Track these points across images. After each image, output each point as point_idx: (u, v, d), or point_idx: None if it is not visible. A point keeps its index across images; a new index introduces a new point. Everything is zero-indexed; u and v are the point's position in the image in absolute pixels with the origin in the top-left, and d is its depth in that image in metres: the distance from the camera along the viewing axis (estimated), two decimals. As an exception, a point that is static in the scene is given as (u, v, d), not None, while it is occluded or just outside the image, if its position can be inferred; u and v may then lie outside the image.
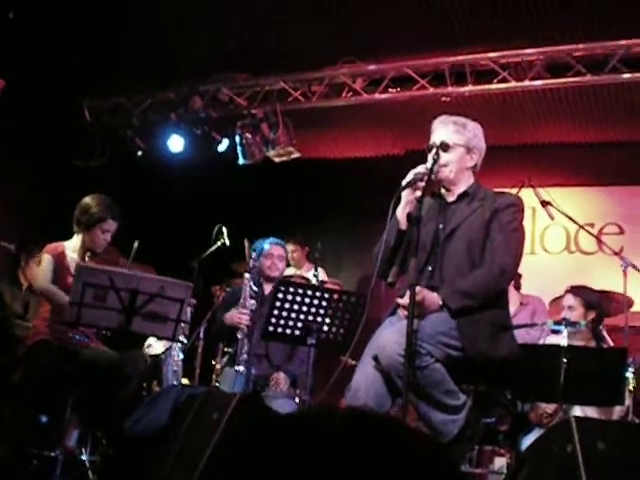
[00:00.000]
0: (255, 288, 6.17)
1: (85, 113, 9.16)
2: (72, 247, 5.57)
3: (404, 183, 4.01)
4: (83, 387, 5.24)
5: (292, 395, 5.98)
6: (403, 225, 4.04)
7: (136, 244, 5.85)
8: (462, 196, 4.20)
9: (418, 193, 3.99)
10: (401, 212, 4.05)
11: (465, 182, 4.22)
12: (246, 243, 6.24)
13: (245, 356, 5.86)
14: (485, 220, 4.03)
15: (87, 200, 5.58)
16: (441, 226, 4.12)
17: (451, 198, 4.22)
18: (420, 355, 3.64)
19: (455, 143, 4.15)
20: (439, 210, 4.19)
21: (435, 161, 4.03)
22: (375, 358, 3.83)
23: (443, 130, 4.20)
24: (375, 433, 1.12)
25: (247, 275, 6.10)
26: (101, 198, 5.60)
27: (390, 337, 3.71)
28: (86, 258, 5.55)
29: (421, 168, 4.03)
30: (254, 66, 8.38)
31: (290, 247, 8.11)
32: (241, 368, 5.85)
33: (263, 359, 6.16)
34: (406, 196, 4.03)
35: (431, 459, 1.11)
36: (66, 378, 5.23)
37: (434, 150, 4.08)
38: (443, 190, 4.24)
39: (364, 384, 3.88)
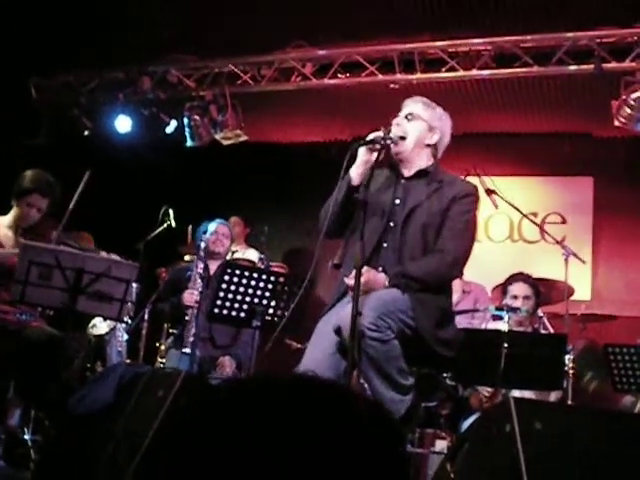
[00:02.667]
0: (200, 270, 6.20)
1: (32, 91, 9.05)
2: (7, 223, 5.51)
3: (361, 142, 4.02)
4: (25, 366, 5.19)
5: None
6: (356, 181, 4.02)
7: (70, 207, 5.69)
8: (420, 174, 4.20)
9: (375, 155, 4.03)
10: (355, 170, 4.04)
11: (425, 160, 4.22)
12: (189, 229, 6.29)
13: (192, 338, 5.89)
14: (443, 206, 4.05)
15: (24, 173, 5.54)
16: (397, 201, 4.12)
17: (407, 173, 4.21)
18: (382, 328, 3.66)
19: (419, 115, 4.20)
20: (395, 183, 4.19)
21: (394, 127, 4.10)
22: (337, 330, 3.83)
23: (411, 105, 4.26)
24: (319, 398, 1.14)
25: (198, 258, 6.20)
26: (36, 172, 5.53)
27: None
28: (19, 233, 5.48)
29: (380, 132, 4.04)
30: (204, 48, 8.34)
31: (232, 219, 8.16)
32: (188, 350, 5.87)
33: (207, 341, 6.18)
34: (362, 155, 4.03)
35: (375, 422, 1.14)
36: (7, 357, 5.18)
37: (408, 121, 4.16)
38: (400, 164, 4.23)
39: (312, 367, 3.88)
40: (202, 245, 6.29)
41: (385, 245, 4.05)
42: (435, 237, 4.03)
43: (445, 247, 4.00)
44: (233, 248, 8.15)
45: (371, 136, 4.04)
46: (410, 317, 3.83)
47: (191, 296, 6.08)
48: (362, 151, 4.04)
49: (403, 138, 4.14)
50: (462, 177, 4.49)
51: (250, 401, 1.15)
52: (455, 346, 3.99)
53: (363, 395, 1.28)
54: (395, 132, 4.10)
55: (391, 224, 4.08)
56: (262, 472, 1.07)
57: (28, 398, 5.54)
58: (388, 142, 4.05)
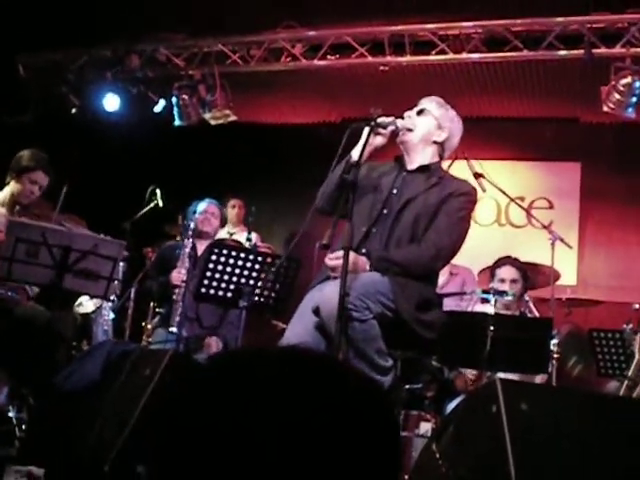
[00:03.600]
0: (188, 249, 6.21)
1: (19, 68, 9.00)
2: (1, 200, 5.50)
3: (368, 122, 4.04)
4: (17, 344, 5.17)
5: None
6: (356, 157, 4.04)
7: (65, 189, 5.70)
8: (422, 169, 4.24)
9: (378, 139, 4.08)
10: (357, 149, 4.07)
11: (429, 156, 4.27)
12: (180, 212, 6.32)
13: (178, 317, 5.89)
14: (437, 201, 4.08)
15: (23, 151, 5.55)
16: (395, 191, 4.16)
17: (410, 166, 4.26)
18: (360, 309, 3.69)
19: (430, 112, 4.27)
20: (397, 175, 4.24)
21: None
22: (315, 311, 3.85)
23: (426, 103, 4.34)
24: (309, 370, 1.14)
25: (186, 237, 6.20)
26: (36, 152, 5.57)
27: (335, 290, 3.69)
28: (15, 211, 5.48)
29: (390, 118, 4.10)
30: (193, 27, 8.31)
31: (232, 201, 8.18)
32: (175, 329, 5.87)
33: (194, 321, 6.18)
34: (366, 135, 4.04)
35: (365, 393, 1.14)
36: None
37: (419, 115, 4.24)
38: (406, 157, 4.29)
39: (294, 341, 3.91)
40: (191, 224, 6.30)
41: (374, 231, 4.08)
42: (425, 230, 4.05)
43: (431, 239, 4.02)
44: (231, 230, 8.16)
45: (379, 119, 4.07)
46: (390, 299, 3.85)
47: (179, 275, 6.09)
48: (366, 131, 4.05)
49: (410, 130, 4.19)
50: (464, 179, 4.49)
51: (238, 375, 1.15)
52: (437, 328, 4.00)
53: (352, 367, 1.28)
54: (404, 123, 4.17)
55: (385, 211, 4.11)
56: (251, 448, 1.07)
57: (19, 376, 5.54)
58: (394, 129, 4.11)
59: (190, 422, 1.16)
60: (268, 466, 1.05)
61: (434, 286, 4.26)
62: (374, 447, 1.11)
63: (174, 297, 6.04)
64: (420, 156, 4.26)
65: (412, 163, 4.27)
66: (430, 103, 4.33)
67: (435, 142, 4.28)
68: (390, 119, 4.10)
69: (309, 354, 1.18)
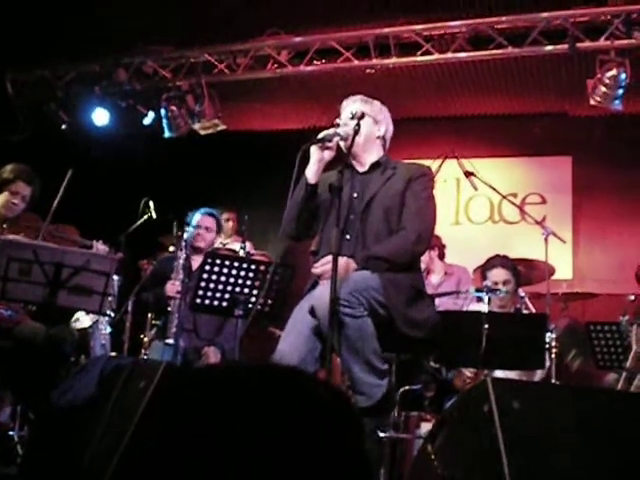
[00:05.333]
0: (182, 261, 6.21)
1: (7, 86, 9.01)
2: None
3: (313, 140, 4.09)
4: (16, 364, 5.17)
5: (221, 367, 6.00)
6: (312, 180, 4.11)
7: (55, 203, 5.66)
8: (374, 166, 4.29)
9: (327, 153, 4.12)
10: (310, 169, 4.12)
11: (376, 152, 4.33)
12: (175, 224, 6.30)
13: (174, 329, 5.89)
14: (399, 189, 4.12)
15: (3, 167, 5.56)
16: (355, 195, 4.19)
17: (362, 168, 4.31)
18: (354, 304, 3.71)
19: (362, 111, 4.26)
20: (351, 179, 4.25)
21: (356, 129, 4.14)
22: (311, 312, 3.88)
23: (352, 105, 4.34)
24: (276, 382, 1.16)
25: (180, 249, 6.20)
26: (17, 165, 5.59)
27: (329, 289, 3.70)
28: (4, 228, 5.48)
29: (331, 130, 4.13)
30: (179, 38, 8.33)
31: (226, 215, 8.17)
32: (171, 341, 5.87)
33: (191, 332, 6.18)
34: (314, 153, 4.10)
35: (332, 404, 1.15)
36: (0, 355, 5.18)
37: (353, 119, 4.20)
38: (353, 161, 4.30)
39: (288, 350, 3.94)
40: (186, 236, 6.29)
41: (348, 237, 4.10)
42: (397, 220, 4.10)
43: (407, 225, 4.06)
44: (224, 241, 8.15)
45: (321, 134, 4.12)
46: (381, 294, 3.86)
47: (173, 287, 6.09)
48: (314, 150, 4.11)
49: (355, 133, 4.17)
50: (416, 163, 4.53)
51: (213, 388, 1.17)
52: (427, 327, 4.01)
53: (326, 383, 1.30)
54: (346, 130, 4.17)
55: (352, 217, 4.14)
56: (224, 457, 1.09)
57: (21, 395, 5.54)
58: (338, 139, 4.14)
59: (174, 430, 1.19)
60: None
61: (420, 272, 4.30)
62: (342, 465, 1.12)
63: (170, 309, 6.05)
64: (369, 155, 4.31)
65: (363, 164, 4.31)
66: (355, 103, 4.35)
67: (378, 137, 4.34)
68: (332, 131, 4.13)
69: (284, 369, 1.20)
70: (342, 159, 4.16)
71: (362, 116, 4.22)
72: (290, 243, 4.15)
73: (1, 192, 5.48)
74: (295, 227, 4.20)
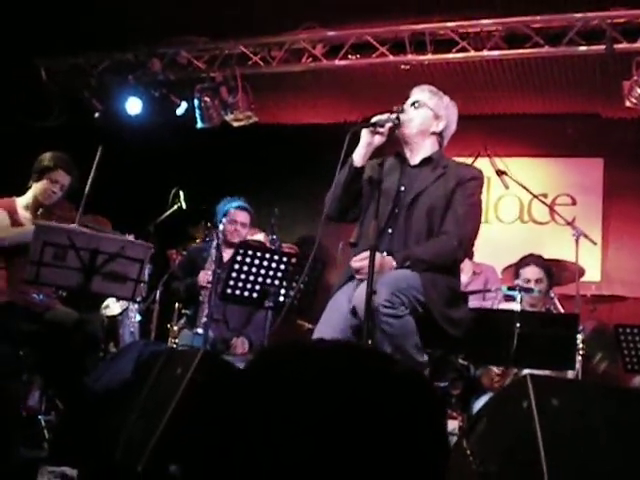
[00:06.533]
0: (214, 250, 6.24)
1: (42, 73, 9.06)
2: (24, 204, 5.53)
3: (365, 123, 4.07)
4: (47, 349, 5.20)
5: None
6: (358, 163, 4.06)
7: (87, 188, 5.67)
8: (425, 161, 4.22)
9: (377, 138, 4.07)
10: (358, 152, 4.07)
11: (430, 147, 4.25)
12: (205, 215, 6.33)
13: (204, 319, 5.92)
14: (448, 190, 4.06)
15: (44, 154, 5.58)
16: (403, 188, 4.14)
17: (413, 161, 4.24)
18: (396, 304, 3.69)
19: (425, 103, 4.23)
20: (401, 171, 4.21)
21: (402, 111, 4.12)
22: (353, 312, 3.86)
23: (419, 94, 4.30)
24: (360, 363, 1.16)
25: (214, 239, 6.25)
26: (57, 153, 5.59)
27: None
28: (38, 214, 5.50)
29: (385, 115, 4.08)
30: (214, 29, 8.34)
31: None
32: (201, 330, 5.90)
33: (221, 322, 6.20)
34: (364, 136, 4.06)
35: (414, 383, 1.16)
36: (31, 339, 5.21)
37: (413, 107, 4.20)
38: (407, 152, 4.27)
39: None
40: (220, 227, 6.30)
41: (390, 231, 4.07)
42: (440, 221, 4.05)
43: (450, 230, 4.01)
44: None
45: (375, 119, 4.08)
46: (421, 293, 3.85)
47: (206, 276, 6.11)
48: (364, 133, 4.07)
49: (407, 123, 4.16)
50: (468, 163, 4.48)
51: (290, 368, 1.16)
52: (464, 327, 4.00)
53: (400, 361, 1.30)
54: (402, 117, 4.12)
55: (396, 210, 4.10)
56: (300, 443, 1.09)
57: (51, 380, 5.57)
58: (391, 125, 4.08)
59: (244, 417, 1.18)
60: (320, 454, 1.07)
61: (458, 278, 4.25)
62: (422, 433, 1.13)
63: (200, 298, 6.08)
64: (421, 148, 4.24)
65: (414, 157, 4.25)
66: (422, 93, 4.30)
67: (433, 133, 4.27)
68: (385, 116, 4.08)
69: (359, 348, 1.21)
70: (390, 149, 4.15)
71: (422, 106, 4.20)
72: (327, 229, 4.08)
73: (40, 179, 5.51)
74: (336, 207, 4.14)
